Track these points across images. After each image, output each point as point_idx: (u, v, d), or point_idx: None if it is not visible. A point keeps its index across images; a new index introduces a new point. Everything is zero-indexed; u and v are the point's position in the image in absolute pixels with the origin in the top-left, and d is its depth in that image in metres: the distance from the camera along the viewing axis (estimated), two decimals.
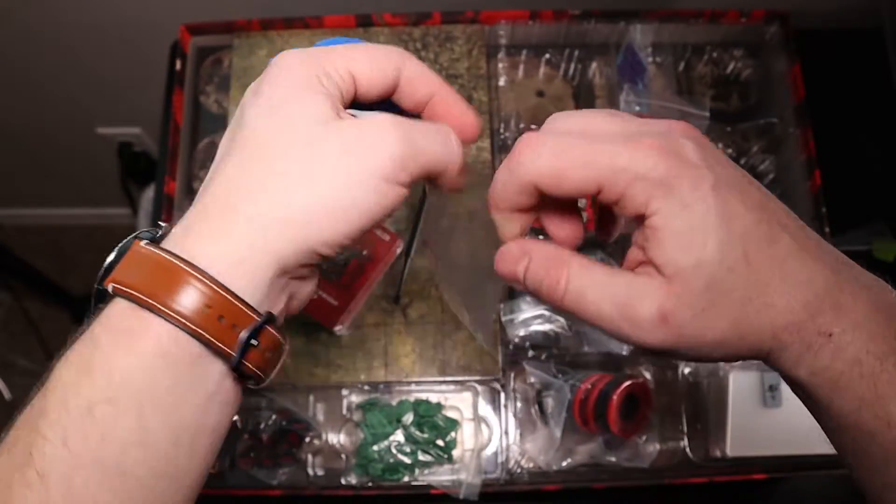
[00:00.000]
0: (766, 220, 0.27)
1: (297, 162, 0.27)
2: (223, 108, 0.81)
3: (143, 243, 0.27)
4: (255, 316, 0.27)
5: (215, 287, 0.26)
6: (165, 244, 0.27)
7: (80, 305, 1.61)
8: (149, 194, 1.33)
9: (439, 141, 0.30)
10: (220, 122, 0.80)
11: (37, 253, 1.64)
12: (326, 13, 0.81)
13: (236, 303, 0.26)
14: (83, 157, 1.42)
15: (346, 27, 0.81)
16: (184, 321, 0.25)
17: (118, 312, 0.26)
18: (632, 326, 0.27)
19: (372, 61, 0.30)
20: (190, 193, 0.79)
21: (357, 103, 0.31)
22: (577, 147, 0.27)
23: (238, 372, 0.28)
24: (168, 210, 0.75)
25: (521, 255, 0.30)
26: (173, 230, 0.28)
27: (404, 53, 0.32)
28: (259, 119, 0.28)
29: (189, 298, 0.25)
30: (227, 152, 0.29)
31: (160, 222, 0.29)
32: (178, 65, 0.80)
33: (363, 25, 0.81)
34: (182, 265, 0.26)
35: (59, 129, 1.32)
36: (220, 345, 0.26)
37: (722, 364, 0.70)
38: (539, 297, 0.30)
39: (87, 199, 1.64)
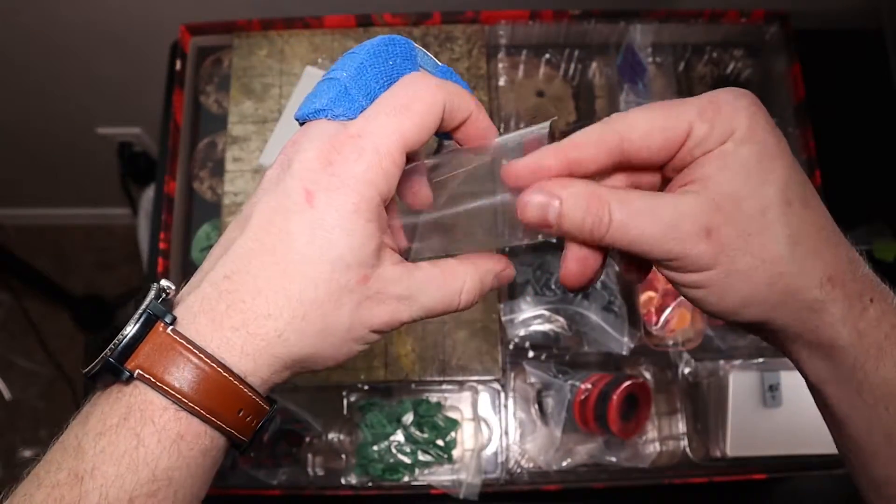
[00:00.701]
0: (812, 184, 0.29)
1: (312, 305, 0.27)
2: (223, 108, 0.81)
3: (169, 330, 0.27)
4: (266, 406, 0.29)
5: (246, 389, 0.27)
6: (187, 328, 0.27)
7: (79, 305, 1.61)
8: (149, 194, 1.33)
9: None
10: (220, 122, 0.80)
11: (37, 253, 1.65)
12: (326, 13, 0.81)
13: (259, 401, 0.28)
14: (83, 157, 1.43)
15: (346, 27, 0.81)
16: (223, 426, 0.27)
17: (160, 413, 0.26)
18: (677, 243, 0.27)
19: (423, 123, 0.29)
20: (190, 193, 0.79)
21: None
22: (667, 103, 0.28)
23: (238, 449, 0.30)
24: (168, 210, 0.75)
25: (550, 198, 0.29)
26: (195, 313, 0.28)
27: (445, 87, 0.30)
28: (299, 235, 0.27)
29: (228, 405, 0.27)
30: (254, 236, 0.28)
31: (164, 284, 0.29)
32: (178, 65, 0.80)
33: (363, 25, 0.81)
34: (224, 373, 0.27)
35: (59, 129, 1.32)
36: (241, 437, 0.28)
37: (722, 363, 0.70)
38: (576, 237, 0.29)
39: (87, 199, 1.64)
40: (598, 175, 0.30)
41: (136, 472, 0.26)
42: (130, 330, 0.27)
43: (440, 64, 0.33)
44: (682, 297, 0.58)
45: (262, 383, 0.28)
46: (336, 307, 0.28)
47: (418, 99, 0.29)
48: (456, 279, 0.32)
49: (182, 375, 0.26)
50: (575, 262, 0.31)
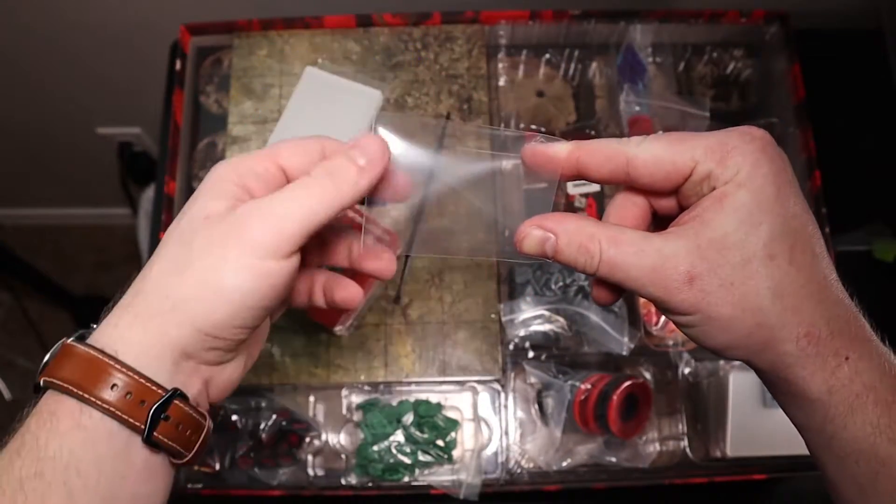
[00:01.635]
0: (814, 233, 0.29)
1: (179, 259, 0.31)
2: (223, 108, 0.81)
3: (69, 340, 0.30)
4: (160, 391, 0.30)
5: (120, 367, 0.29)
6: (93, 336, 0.31)
7: (80, 305, 1.61)
8: (149, 194, 1.33)
9: (314, 193, 0.31)
10: (220, 122, 0.80)
11: (37, 253, 1.65)
12: (326, 13, 0.81)
13: (141, 380, 0.29)
14: (83, 157, 1.42)
15: (347, 27, 0.81)
16: (93, 399, 0.29)
17: (45, 400, 0.30)
18: (660, 288, 0.29)
19: (295, 151, 0.33)
20: (190, 193, 0.79)
21: None
22: (679, 137, 0.30)
23: (152, 444, 0.30)
24: (168, 210, 0.75)
25: (545, 236, 0.31)
26: (103, 322, 0.31)
27: (325, 136, 0.35)
28: (170, 229, 0.32)
29: (97, 379, 0.29)
30: (155, 252, 0.33)
31: (92, 325, 0.32)
32: (178, 65, 0.80)
33: (363, 25, 0.81)
34: (92, 352, 0.29)
35: (59, 129, 1.32)
36: (128, 418, 0.29)
37: (722, 364, 0.70)
38: (574, 268, 0.31)
39: (87, 199, 1.64)
40: (613, 184, 0.32)
41: (20, 454, 0.28)
42: (50, 352, 0.31)
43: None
44: None
45: (156, 365, 0.30)
46: (189, 246, 0.31)
47: (295, 139, 0.34)
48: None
49: (63, 365, 0.29)
50: (597, 287, 0.34)
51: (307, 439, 0.69)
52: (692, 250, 0.28)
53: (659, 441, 0.70)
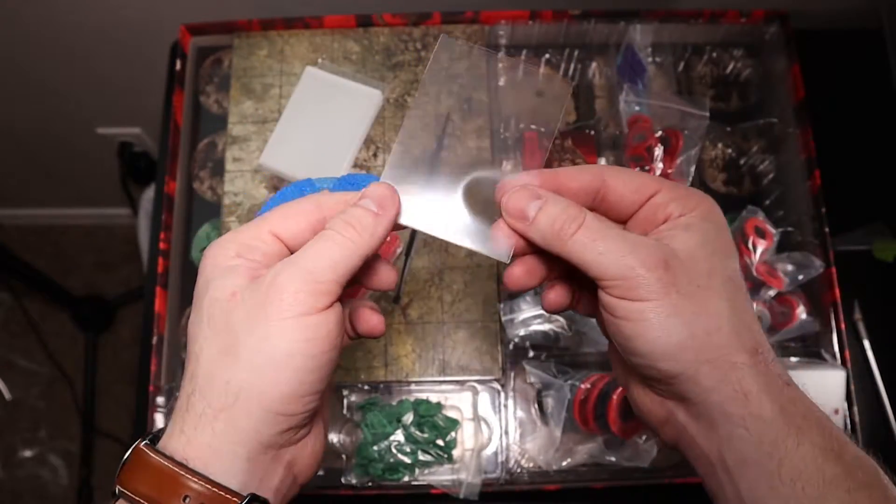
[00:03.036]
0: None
1: (222, 343, 0.30)
2: (223, 108, 0.81)
3: (142, 444, 0.30)
4: (234, 499, 0.29)
5: (191, 476, 0.28)
6: (161, 442, 0.31)
7: (79, 305, 1.62)
8: (149, 194, 1.33)
9: (338, 242, 0.31)
10: (220, 122, 0.80)
11: (37, 253, 1.65)
12: (326, 13, 0.81)
13: (214, 489, 0.29)
14: (83, 157, 1.42)
15: (347, 27, 0.81)
16: None
17: None
18: (638, 262, 0.29)
19: (285, 215, 0.33)
20: (190, 193, 0.79)
21: None
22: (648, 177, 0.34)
23: None
24: (168, 210, 0.75)
25: (536, 196, 0.32)
26: (168, 427, 0.31)
27: (321, 194, 0.35)
28: (193, 323, 0.32)
29: (169, 492, 0.28)
30: (189, 348, 0.32)
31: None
32: (178, 65, 0.80)
33: (363, 25, 0.81)
34: (162, 461, 0.29)
35: (59, 129, 1.32)
36: None
37: None
38: (542, 238, 0.32)
39: (87, 199, 1.64)
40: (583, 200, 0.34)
41: None
42: (125, 457, 0.30)
43: (340, 177, 0.39)
44: None
45: (227, 469, 0.29)
46: (227, 327, 0.30)
47: (284, 205, 0.34)
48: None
49: (136, 475, 0.29)
50: (552, 290, 0.36)
51: None
52: (667, 249, 0.30)
53: (659, 440, 0.70)
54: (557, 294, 0.37)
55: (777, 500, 0.29)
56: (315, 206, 0.33)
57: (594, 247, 0.30)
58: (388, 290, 0.36)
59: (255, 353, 0.29)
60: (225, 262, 0.32)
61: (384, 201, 0.33)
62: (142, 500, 0.28)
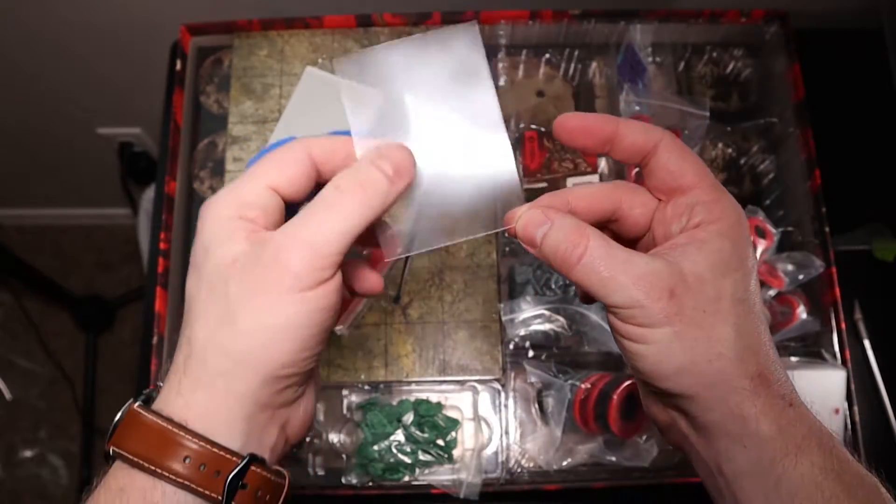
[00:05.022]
0: (759, 299, 0.32)
1: (221, 311, 0.29)
2: (223, 108, 0.81)
3: (136, 405, 0.30)
4: (235, 459, 0.29)
5: (191, 437, 0.28)
6: (156, 404, 0.30)
7: (80, 305, 1.61)
8: (149, 194, 1.33)
9: (346, 208, 0.30)
10: (220, 122, 0.80)
11: (37, 253, 1.65)
12: (326, 13, 0.81)
13: (214, 449, 0.29)
14: (83, 157, 1.42)
15: (347, 27, 0.81)
16: (165, 473, 0.28)
17: (113, 473, 0.29)
18: (642, 293, 0.29)
19: (280, 166, 0.32)
20: (190, 193, 0.79)
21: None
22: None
23: None
24: (168, 210, 0.75)
25: (544, 221, 0.32)
26: (163, 389, 0.31)
27: (305, 139, 0.33)
28: (191, 284, 0.31)
29: (169, 451, 0.28)
30: (186, 310, 0.31)
31: (158, 383, 0.32)
32: (179, 65, 0.80)
33: (363, 25, 0.81)
34: (160, 421, 0.28)
35: (59, 129, 1.32)
36: (203, 490, 0.28)
37: None
38: (552, 263, 0.32)
39: (87, 199, 1.64)
40: (597, 148, 0.34)
41: None
42: (116, 417, 0.30)
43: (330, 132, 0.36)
44: None
45: (227, 429, 0.29)
46: (225, 295, 0.29)
47: (274, 152, 0.32)
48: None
49: (132, 435, 0.29)
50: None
51: (307, 439, 0.69)
52: (674, 273, 0.29)
53: (659, 440, 0.70)
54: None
55: None
56: (306, 154, 0.32)
57: (598, 275, 0.30)
58: (376, 294, 0.35)
59: (254, 324, 0.29)
60: (225, 224, 0.30)
61: (402, 167, 0.31)
62: (141, 461, 0.28)
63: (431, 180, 0.34)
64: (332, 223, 0.30)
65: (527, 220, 0.32)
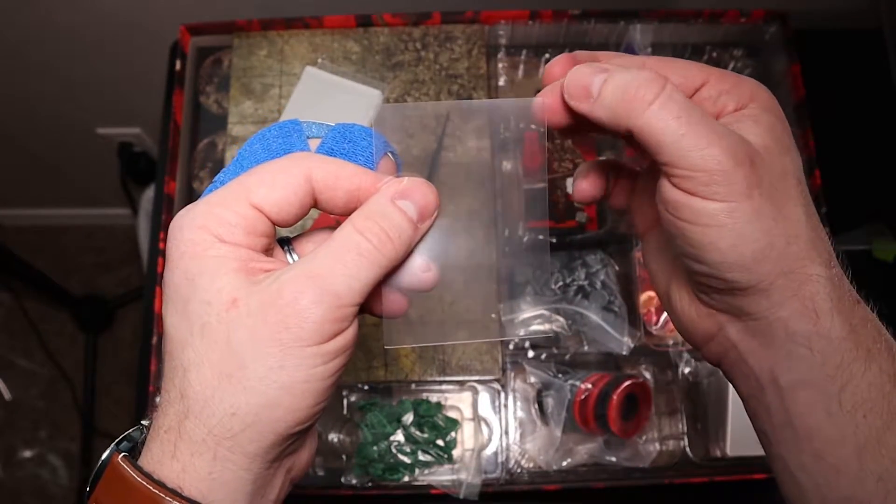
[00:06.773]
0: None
1: (222, 361, 0.25)
2: (223, 108, 0.81)
3: (120, 458, 0.26)
4: None
5: (167, 497, 0.24)
6: (146, 461, 0.26)
7: (79, 305, 1.61)
8: (149, 194, 1.33)
9: (372, 257, 0.26)
10: (219, 122, 0.80)
11: (37, 253, 1.65)
12: (326, 13, 0.81)
13: None
14: (83, 157, 1.43)
15: (346, 27, 0.81)
16: None
17: None
18: (722, 150, 0.25)
19: (270, 184, 0.27)
20: (190, 193, 0.79)
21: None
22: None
23: None
24: (168, 210, 0.75)
25: (600, 70, 0.27)
26: (148, 443, 0.27)
27: (308, 157, 0.28)
28: (174, 322, 0.26)
29: None
30: (169, 353, 0.27)
31: (142, 422, 0.28)
32: (178, 65, 0.80)
33: (363, 25, 0.81)
34: (150, 486, 0.25)
35: (59, 129, 1.32)
36: None
37: None
38: (611, 115, 0.26)
39: (87, 199, 1.64)
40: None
41: None
42: (97, 466, 0.27)
43: (334, 125, 0.31)
44: None
45: (227, 495, 0.26)
46: (227, 344, 0.25)
47: (268, 164, 0.28)
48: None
49: (115, 496, 0.26)
50: (586, 176, 0.33)
51: None
52: (747, 142, 0.26)
53: (659, 440, 0.70)
54: (591, 183, 0.33)
55: (833, 427, 0.26)
56: (304, 178, 0.27)
57: (675, 125, 0.24)
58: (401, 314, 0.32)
59: (267, 380, 0.25)
60: (206, 249, 0.26)
61: (427, 209, 0.28)
62: None
63: (441, 196, 0.31)
64: (357, 269, 0.26)
65: (583, 69, 0.27)
